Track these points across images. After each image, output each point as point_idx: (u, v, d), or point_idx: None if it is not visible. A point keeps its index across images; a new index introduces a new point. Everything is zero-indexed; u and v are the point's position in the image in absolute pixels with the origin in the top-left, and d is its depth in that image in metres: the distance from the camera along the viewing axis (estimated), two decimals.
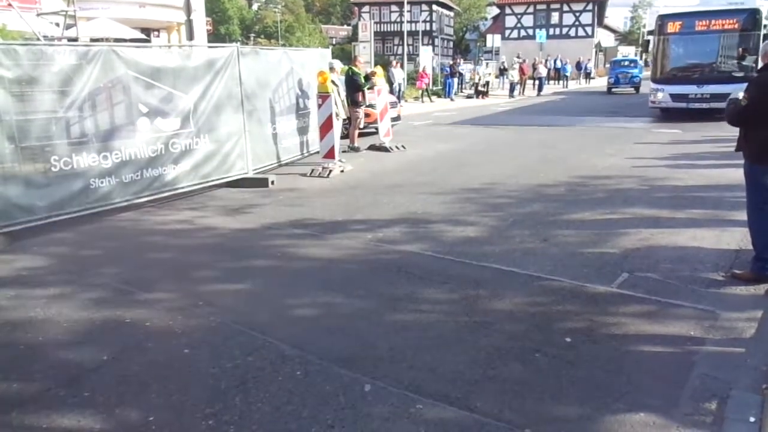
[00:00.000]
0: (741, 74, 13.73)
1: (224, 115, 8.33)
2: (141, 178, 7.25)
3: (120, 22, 19.97)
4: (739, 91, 9.43)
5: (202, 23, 24.77)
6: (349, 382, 3.27)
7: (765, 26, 13.97)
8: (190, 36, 13.91)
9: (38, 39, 12.54)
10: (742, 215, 4.98)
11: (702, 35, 14.73)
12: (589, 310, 4.13)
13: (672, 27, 15.15)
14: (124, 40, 17.06)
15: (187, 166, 7.80)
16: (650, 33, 16.51)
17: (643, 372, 3.33)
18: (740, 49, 14.27)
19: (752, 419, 2.85)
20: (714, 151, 10.19)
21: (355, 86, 11.50)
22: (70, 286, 4.78)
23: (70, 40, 14.10)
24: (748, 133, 4.48)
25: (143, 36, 22.08)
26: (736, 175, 6.73)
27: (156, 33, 26.39)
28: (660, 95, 15.18)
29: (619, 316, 4.03)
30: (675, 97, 14.88)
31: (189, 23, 13.05)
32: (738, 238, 5.44)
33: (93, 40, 15.47)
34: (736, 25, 14.31)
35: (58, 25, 16.16)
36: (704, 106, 14.29)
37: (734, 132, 4.76)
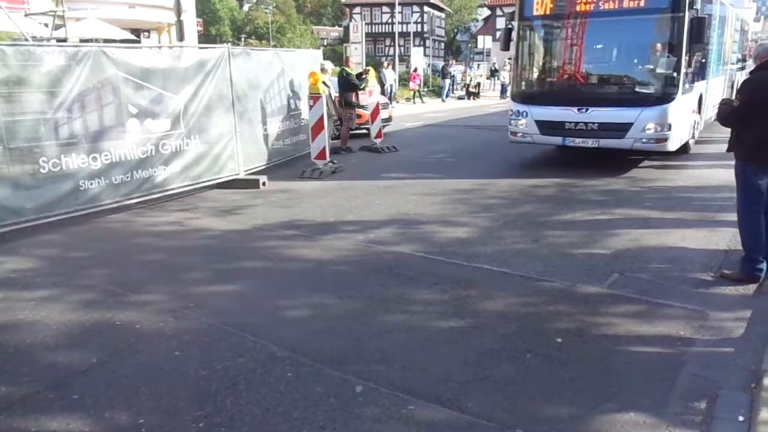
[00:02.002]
0: (654, 91, 8.43)
1: (215, 116, 8.29)
2: (131, 180, 7.20)
3: (110, 23, 19.85)
4: (650, 121, 7.56)
5: (192, 24, 24.70)
6: (340, 384, 3.26)
7: (695, 8, 8.24)
8: (181, 37, 13.86)
9: (26, 39, 12.43)
10: (731, 216, 5.03)
11: (589, 21, 8.72)
12: (580, 310, 4.14)
13: (539, 6, 9.11)
14: (114, 41, 16.95)
15: (177, 168, 7.76)
16: (511, 18, 10.12)
17: (634, 372, 3.35)
18: (655, 47, 8.62)
19: (741, 418, 2.87)
20: (703, 153, 10.27)
21: (349, 87, 11.48)
22: (60, 289, 4.74)
23: (59, 40, 13.99)
24: (741, 133, 4.51)
25: (133, 37, 21.96)
26: (724, 176, 6.81)
27: (146, 34, 26.27)
28: (522, 123, 9.20)
29: (610, 317, 4.05)
30: (543, 126, 9.00)
31: (179, 24, 13.02)
32: (727, 239, 5.48)
33: (82, 40, 15.36)
34: (644, 2, 8.32)
35: (47, 25, 16.02)
36: (589, 143, 8.66)
37: (725, 132, 4.80)
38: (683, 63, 8.16)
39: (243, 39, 63.96)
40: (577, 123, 8.64)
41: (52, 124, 6.47)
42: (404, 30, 41.89)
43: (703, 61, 10.13)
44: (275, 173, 9.37)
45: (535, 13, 9.19)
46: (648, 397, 3.08)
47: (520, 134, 9.30)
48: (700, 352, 3.55)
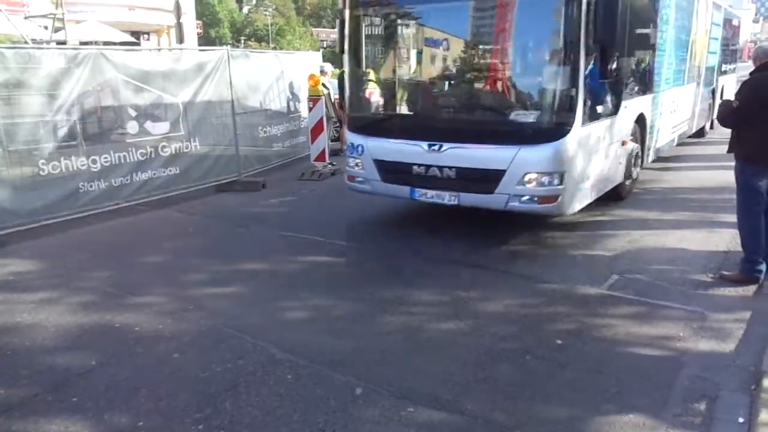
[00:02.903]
0: (536, 120, 5.37)
1: (215, 118, 8.30)
2: (130, 182, 7.20)
3: (109, 25, 19.88)
4: (530, 169, 5.02)
5: (192, 26, 24.73)
6: (339, 386, 3.26)
7: None
8: (180, 39, 13.87)
9: (26, 42, 12.44)
10: (730, 217, 5.03)
11: (446, 11, 6.00)
12: (580, 311, 4.14)
13: None
14: (114, 44, 16.97)
15: (177, 170, 7.76)
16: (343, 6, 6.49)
17: (633, 373, 3.35)
18: (539, 49, 5.62)
19: (741, 420, 2.86)
20: (701, 154, 10.27)
21: None
22: (59, 291, 4.74)
23: (59, 43, 14.00)
24: (741, 134, 4.52)
25: (133, 39, 21.98)
26: (723, 177, 6.80)
27: (146, 36, 26.29)
28: (358, 162, 6.23)
29: (609, 318, 4.05)
30: (385, 169, 6.00)
31: (179, 26, 13.03)
32: (726, 240, 5.48)
33: (82, 43, 15.37)
34: None
35: (46, 28, 16.04)
36: (446, 199, 5.66)
37: (725, 133, 4.80)
38: (582, 73, 5.07)
39: (242, 41, 64.05)
40: (428, 167, 5.56)
41: (52, 127, 6.49)
42: None
43: (646, 66, 7.39)
44: (275, 175, 9.37)
45: None
46: (647, 398, 3.07)
47: (358, 179, 6.23)
48: (699, 353, 3.55)
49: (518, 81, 5.70)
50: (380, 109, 6.58)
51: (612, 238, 5.72)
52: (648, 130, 7.53)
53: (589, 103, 5.38)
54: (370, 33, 6.47)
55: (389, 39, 6.51)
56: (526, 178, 5.19)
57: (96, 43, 16.74)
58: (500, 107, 5.67)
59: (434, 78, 6.38)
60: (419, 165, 5.64)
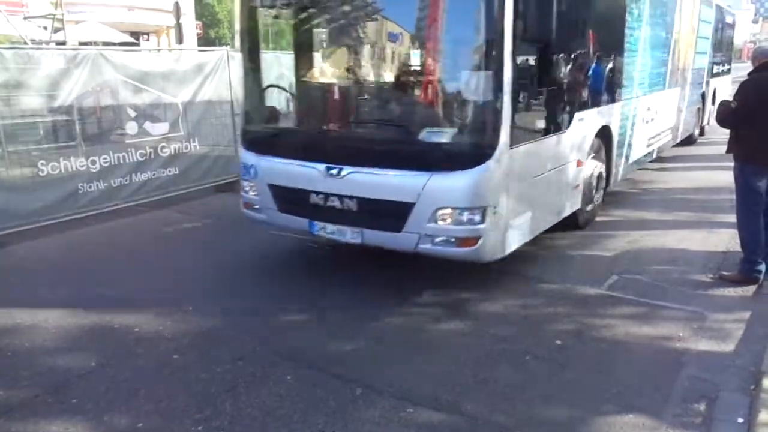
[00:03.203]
0: (452, 141, 4.21)
1: (214, 118, 8.30)
2: (130, 183, 7.20)
3: (109, 26, 19.88)
4: (443, 202, 3.98)
5: (191, 27, 24.72)
6: (339, 387, 3.26)
7: None
8: (180, 39, 13.88)
9: (25, 43, 12.44)
10: (729, 217, 5.03)
11: (345, 6, 4.89)
12: (579, 312, 4.15)
13: None
14: (113, 44, 16.97)
15: (176, 170, 7.76)
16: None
17: (633, 373, 3.35)
18: (460, 54, 4.36)
19: (740, 420, 2.87)
20: (700, 154, 10.27)
21: None
22: (59, 292, 4.74)
23: (58, 43, 14.00)
24: (740, 134, 4.52)
25: (132, 39, 21.97)
26: (722, 177, 6.81)
27: (145, 37, 26.28)
28: (252, 187, 5.10)
29: (609, 318, 4.06)
30: (280, 196, 4.85)
31: (178, 27, 13.03)
32: (725, 240, 5.48)
33: (81, 43, 15.37)
34: None
35: (45, 28, 16.04)
36: (348, 236, 4.52)
37: (723, 134, 4.80)
38: (508, 80, 3.96)
39: None
40: (327, 195, 4.46)
41: (51, 127, 6.48)
42: None
43: (612, 70, 6.17)
44: None
45: None
46: (647, 398, 3.08)
47: (254, 206, 5.09)
48: (699, 353, 3.55)
49: (430, 90, 4.52)
50: (275, 123, 5.33)
51: (611, 239, 5.72)
52: (615, 144, 6.45)
53: (522, 117, 4.31)
54: (267, 30, 5.59)
55: (288, 37, 5.58)
56: (439, 214, 4.08)
57: (95, 43, 16.73)
58: (408, 123, 4.56)
59: (334, 86, 5.11)
60: (317, 193, 4.50)
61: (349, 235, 4.49)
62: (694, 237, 5.69)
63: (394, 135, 4.54)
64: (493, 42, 3.94)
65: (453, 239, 4.14)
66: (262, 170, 4.93)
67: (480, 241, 4.11)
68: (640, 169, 8.09)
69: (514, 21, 3.92)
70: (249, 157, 5.05)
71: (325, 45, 5.29)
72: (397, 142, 4.45)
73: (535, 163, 4.63)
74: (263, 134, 5.19)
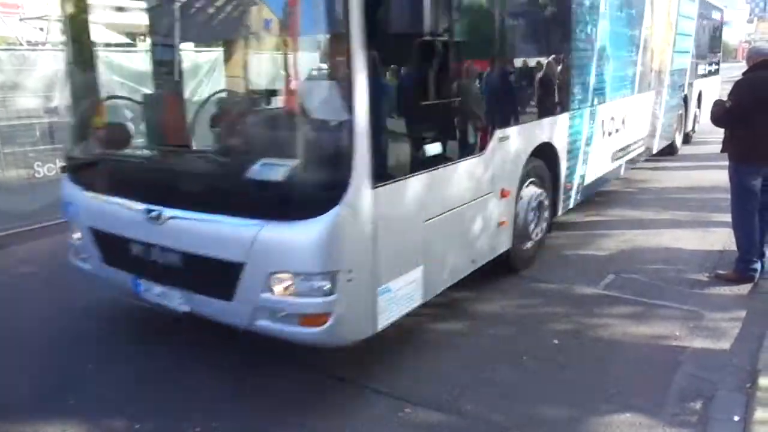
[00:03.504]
0: (285, 175, 2.81)
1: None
2: None
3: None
4: (278, 266, 2.85)
5: None
6: (338, 387, 3.26)
7: None
8: None
9: (21, 44, 12.40)
10: (725, 216, 5.05)
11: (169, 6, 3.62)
12: (576, 311, 4.16)
13: None
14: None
15: None
16: None
17: (630, 373, 3.37)
18: (303, 59, 3.18)
19: (737, 418, 2.88)
20: (695, 154, 10.30)
21: None
22: (56, 293, 4.72)
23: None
24: (734, 133, 4.54)
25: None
26: (718, 176, 6.82)
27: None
28: (75, 230, 3.88)
29: (606, 318, 4.07)
30: (102, 245, 3.67)
31: None
32: (722, 239, 5.50)
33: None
34: None
35: (42, 29, 15.99)
36: (175, 302, 3.33)
37: (718, 133, 4.82)
38: (363, 92, 2.76)
39: None
40: (148, 246, 3.36)
41: (47, 129, 6.47)
42: None
43: (552, 74, 5.15)
44: None
45: None
46: (644, 397, 3.09)
47: (81, 255, 3.95)
48: (695, 352, 3.56)
49: (265, 109, 3.68)
50: (97, 146, 3.92)
51: (608, 238, 5.74)
52: (564, 165, 5.31)
53: (399, 142, 3.19)
54: (97, 29, 4.50)
55: (120, 36, 4.23)
56: (274, 280, 2.93)
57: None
58: (239, 151, 3.44)
59: (156, 99, 4.12)
60: (138, 242, 3.38)
61: (177, 301, 3.34)
62: (689, 236, 5.71)
63: (220, 168, 3.32)
64: (339, 36, 2.76)
65: (294, 318, 2.97)
66: (82, 209, 3.78)
67: (331, 319, 2.91)
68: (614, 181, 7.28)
69: (366, 14, 2.70)
70: (70, 192, 3.86)
71: (148, 45, 4.25)
72: (223, 177, 3.22)
73: (428, 201, 3.37)
74: (84, 162, 3.88)
